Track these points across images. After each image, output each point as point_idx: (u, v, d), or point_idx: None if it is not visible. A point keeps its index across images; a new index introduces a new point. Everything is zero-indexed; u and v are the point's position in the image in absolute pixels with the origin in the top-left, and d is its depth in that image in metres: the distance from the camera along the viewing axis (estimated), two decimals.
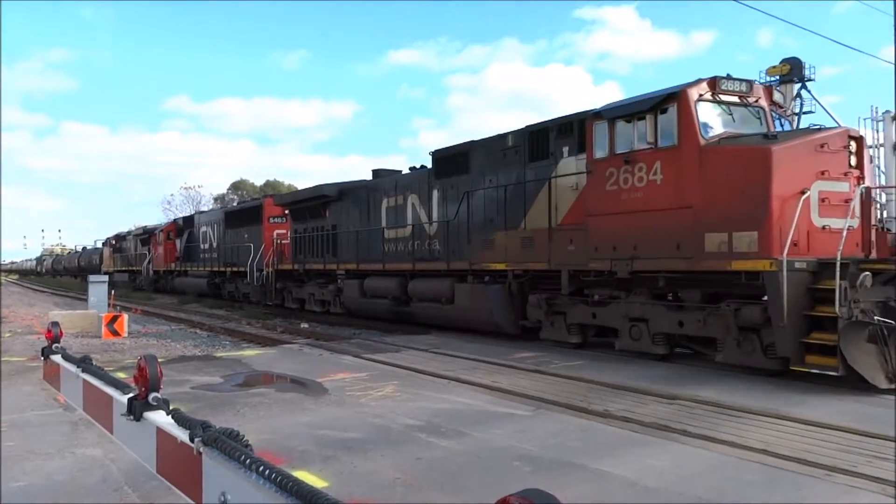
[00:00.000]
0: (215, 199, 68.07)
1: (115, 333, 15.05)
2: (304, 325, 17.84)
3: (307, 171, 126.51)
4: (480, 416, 6.56)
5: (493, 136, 13.28)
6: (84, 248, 61.85)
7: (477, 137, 15.71)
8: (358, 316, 17.62)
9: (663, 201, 9.24)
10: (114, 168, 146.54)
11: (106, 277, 21.02)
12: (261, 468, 1.22)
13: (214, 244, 28.16)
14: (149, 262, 36.52)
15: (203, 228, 29.75)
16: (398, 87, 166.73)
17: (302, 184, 33.21)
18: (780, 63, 44.36)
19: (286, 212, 22.23)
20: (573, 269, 10.95)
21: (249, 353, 11.87)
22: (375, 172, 18.64)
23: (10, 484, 4.64)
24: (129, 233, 44.56)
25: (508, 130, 12.92)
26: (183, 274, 31.39)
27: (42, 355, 3.27)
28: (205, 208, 55.89)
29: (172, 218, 44.68)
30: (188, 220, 33.15)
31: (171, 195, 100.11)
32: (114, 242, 46.74)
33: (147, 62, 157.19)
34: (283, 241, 22.07)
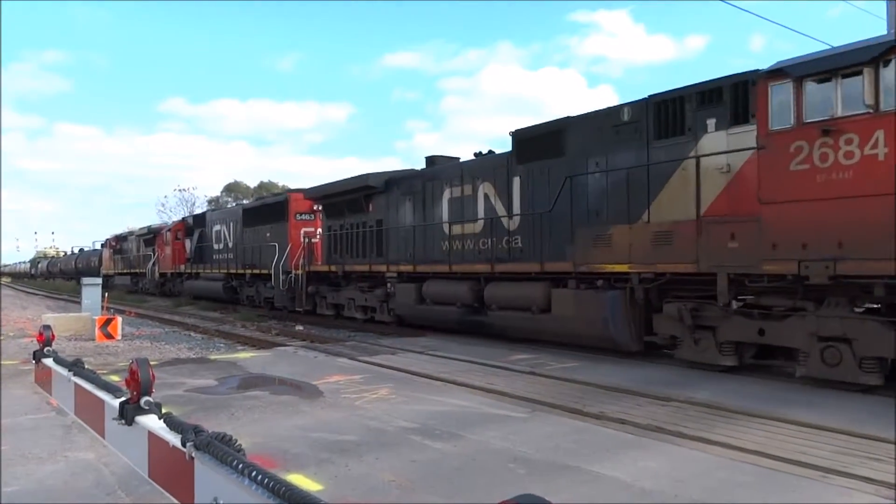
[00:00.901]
0: (209, 202, 67.86)
1: (109, 336, 14.99)
2: (299, 328, 17.79)
3: (302, 173, 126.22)
4: (476, 418, 6.55)
5: (600, 111, 11.23)
6: (81, 250, 59.47)
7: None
8: (413, 325, 15.38)
9: (888, 183, 7.01)
10: (108, 170, 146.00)
11: (100, 280, 20.90)
12: (253, 473, 1.21)
13: (230, 244, 25.81)
14: (154, 264, 34.23)
15: (217, 227, 27.37)
16: (393, 90, 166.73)
17: (297, 186, 30.84)
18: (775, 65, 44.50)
19: (316, 207, 20.35)
20: (736, 273, 8.49)
21: (244, 355, 11.83)
22: (430, 160, 16.34)
23: (2, 489, 4.60)
24: (130, 233, 41.73)
25: (622, 103, 10.94)
26: (194, 276, 28.92)
27: (34, 358, 3.24)
28: (199, 210, 55.05)
29: (168, 220, 42.81)
30: (199, 219, 30.75)
31: (166, 197, 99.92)
32: (114, 243, 44.22)
33: (142, 64, 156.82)
34: (313, 240, 20.20)
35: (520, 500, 0.89)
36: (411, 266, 14.91)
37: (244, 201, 41.16)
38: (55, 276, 64.40)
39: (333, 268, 18.27)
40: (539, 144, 12.17)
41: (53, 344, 3.43)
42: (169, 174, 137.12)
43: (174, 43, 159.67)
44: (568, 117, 11.80)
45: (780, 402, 7.14)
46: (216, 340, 16.07)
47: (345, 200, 17.96)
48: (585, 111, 11.55)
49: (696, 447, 5.48)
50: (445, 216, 14.40)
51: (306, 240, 20.19)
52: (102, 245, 49.84)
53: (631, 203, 10.34)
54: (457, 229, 14.02)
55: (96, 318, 15.61)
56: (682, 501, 4.29)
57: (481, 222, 13.35)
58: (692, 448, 5.46)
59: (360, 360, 10.48)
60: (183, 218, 35.46)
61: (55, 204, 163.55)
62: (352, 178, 17.74)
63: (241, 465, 1.25)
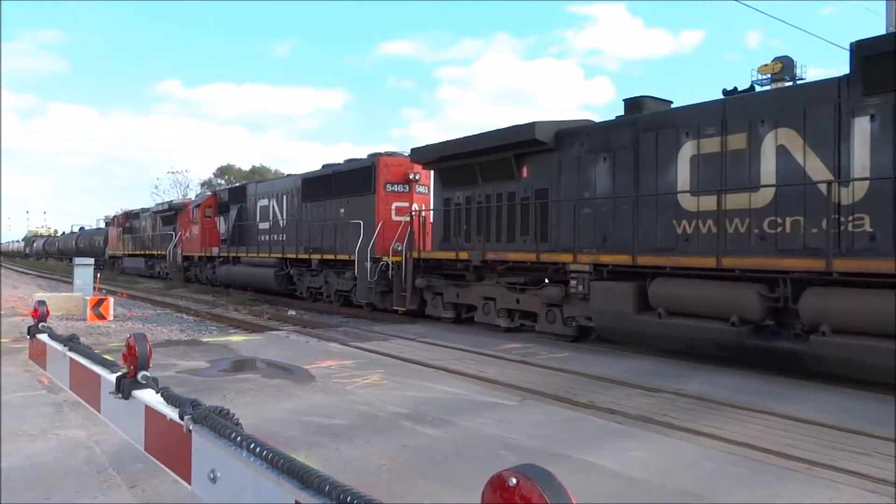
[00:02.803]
0: (202, 185, 67.56)
1: (101, 317, 14.95)
2: (291, 313, 17.78)
3: (296, 159, 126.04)
4: (467, 405, 6.58)
5: None
6: (82, 229, 55.41)
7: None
8: (622, 343, 10.59)
9: None
10: (100, 151, 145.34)
11: (91, 260, 20.78)
12: (252, 445, 1.21)
13: (282, 222, 21.18)
14: (175, 246, 29.07)
15: (263, 202, 22.53)
16: (388, 78, 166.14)
17: (290, 171, 27.33)
18: (772, 62, 44.67)
19: (413, 177, 16.52)
20: None
21: (236, 338, 11.83)
22: (633, 102, 11.49)
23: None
24: (144, 209, 36.87)
25: None
26: (233, 261, 23.82)
27: (28, 334, 3.23)
28: (192, 194, 53.98)
29: (164, 201, 37.91)
30: (237, 193, 25.09)
31: (159, 179, 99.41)
32: (122, 221, 38.77)
33: (138, 45, 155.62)
34: (420, 217, 15.35)
35: (522, 470, 0.92)
36: (627, 257, 10.05)
37: (259, 180, 32.95)
38: (53, 256, 61.09)
39: (461, 255, 13.29)
40: None
41: (47, 322, 3.43)
42: (161, 157, 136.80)
43: (170, 26, 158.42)
44: None
45: (769, 395, 7.20)
46: (208, 323, 16.05)
47: (479, 163, 13.38)
48: None
49: (685, 438, 5.53)
50: (682, 182, 9.90)
51: (412, 216, 15.44)
52: (108, 223, 46.09)
53: None
54: (706, 203, 9.47)
55: (88, 298, 15.56)
56: (668, 491, 4.33)
57: (770, 191, 8.82)
58: (680, 439, 5.51)
59: (351, 346, 10.50)
60: (214, 191, 29.10)
61: (46, 184, 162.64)
62: (497, 130, 12.94)
63: (239, 438, 1.25)
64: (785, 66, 43.98)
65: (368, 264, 15.90)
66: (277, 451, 1.19)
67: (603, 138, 11.32)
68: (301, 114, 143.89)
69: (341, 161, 19.18)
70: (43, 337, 2.95)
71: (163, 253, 30.81)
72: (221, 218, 25.59)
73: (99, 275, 20.37)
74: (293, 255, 19.82)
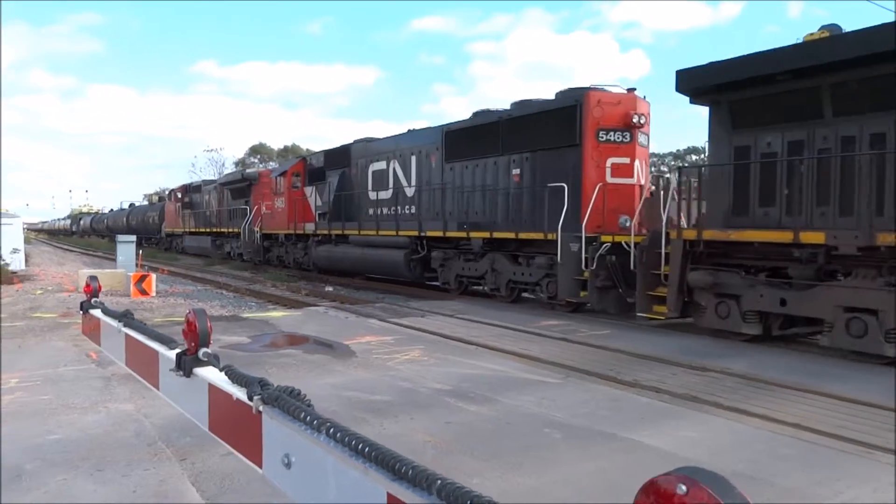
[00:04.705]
0: (235, 164, 68.19)
1: (144, 293, 15.27)
2: (329, 289, 17.93)
3: (328, 136, 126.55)
4: (509, 382, 6.52)
5: None
6: (132, 205, 53.00)
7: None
8: None
9: None
10: (137, 130, 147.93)
11: (133, 238, 21.14)
12: (331, 429, 1.16)
13: (409, 190, 16.54)
14: (249, 223, 24.95)
15: (377, 165, 17.92)
16: (419, 54, 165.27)
17: (320, 148, 22.57)
18: (819, 30, 43.00)
19: (646, 120, 12.04)
20: None
21: (276, 314, 11.96)
22: None
23: (47, 436, 4.71)
24: (208, 181, 33.17)
25: None
26: (335, 241, 19.31)
27: (81, 309, 3.26)
28: (227, 171, 53.29)
29: (234, 171, 33.82)
30: (337, 155, 20.13)
31: (196, 157, 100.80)
32: (180, 195, 34.88)
33: (176, 26, 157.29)
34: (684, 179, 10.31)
35: (690, 475, 0.80)
36: None
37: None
38: (101, 234, 58.95)
39: (822, 237, 7.97)
40: None
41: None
42: (196, 136, 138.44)
43: (206, 6, 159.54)
44: None
45: (815, 375, 7.01)
46: (247, 299, 16.27)
47: (831, 85, 8.52)
48: None
49: (734, 418, 5.40)
50: None
51: (658, 178, 11.94)
52: (161, 198, 43.11)
53: None
54: None
55: (131, 274, 15.89)
56: (722, 473, 4.22)
57: None
58: (730, 419, 5.38)
59: (390, 322, 10.52)
60: (303, 157, 23.90)
61: (88, 163, 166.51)
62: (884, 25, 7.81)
63: (316, 422, 1.20)
64: (833, 34, 42.35)
65: (582, 247, 11.35)
66: (362, 437, 1.12)
67: None
68: (334, 91, 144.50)
69: (489, 108, 14.52)
70: (96, 312, 2.96)
71: (234, 231, 26.76)
72: (314, 188, 21.09)
73: (140, 252, 20.65)
74: (438, 233, 14.84)
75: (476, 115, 14.75)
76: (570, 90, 12.53)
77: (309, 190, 21.36)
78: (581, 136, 11.94)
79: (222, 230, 28.56)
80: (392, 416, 5.30)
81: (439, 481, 0.92)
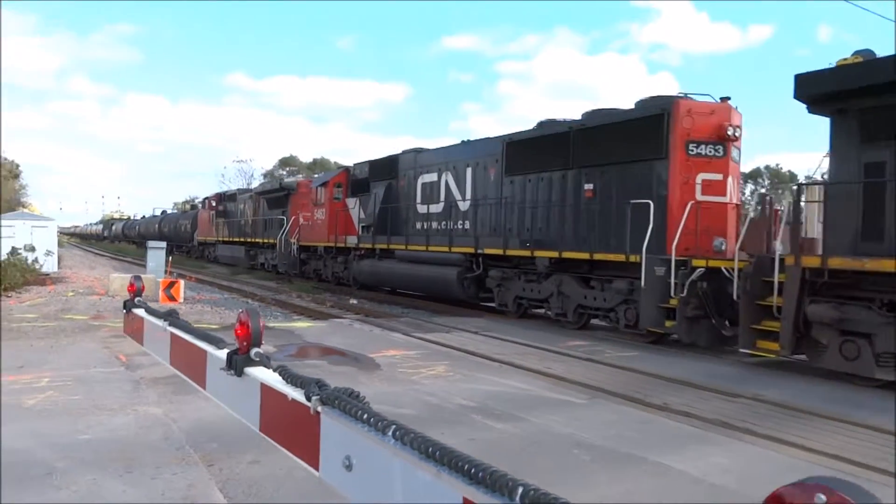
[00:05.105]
0: (264, 175, 68.95)
1: (172, 299, 15.42)
2: (353, 302, 17.96)
3: (357, 149, 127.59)
4: (535, 401, 6.45)
5: None
6: (164, 212, 52.75)
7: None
8: None
9: None
10: (169, 139, 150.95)
11: (164, 244, 21.45)
12: (397, 431, 1.14)
13: (463, 205, 15.34)
14: (286, 234, 23.86)
15: (428, 177, 16.75)
16: (449, 72, 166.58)
17: (350, 162, 22.17)
18: (853, 55, 42.46)
19: (740, 133, 11.02)
20: None
21: (301, 325, 12.00)
22: None
23: (77, 436, 4.76)
24: (243, 190, 32.38)
25: None
26: (379, 255, 18.36)
27: (124, 308, 3.30)
28: (256, 183, 53.72)
29: (270, 180, 32.46)
30: (383, 166, 18.92)
31: (225, 167, 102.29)
32: (214, 204, 33.80)
33: (210, 38, 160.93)
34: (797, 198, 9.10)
35: (828, 485, 0.76)
36: None
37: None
38: (132, 240, 58.75)
39: None
40: None
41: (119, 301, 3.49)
42: (225, 146, 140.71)
43: (239, 19, 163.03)
44: None
45: (855, 405, 6.82)
46: (273, 309, 16.35)
47: None
48: None
49: (767, 446, 5.27)
50: None
51: (764, 195, 10.55)
52: (193, 206, 42.71)
53: None
54: None
55: (160, 280, 16.09)
56: (755, 501, 4.12)
57: None
58: (763, 447, 5.25)
59: (414, 336, 10.50)
60: (345, 167, 22.54)
61: (119, 170, 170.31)
62: None
63: (382, 424, 1.18)
64: (866, 59, 41.77)
65: (672, 271, 9.95)
66: (432, 440, 1.10)
67: None
68: (363, 106, 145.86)
69: (556, 118, 13.51)
70: (140, 312, 2.98)
71: (269, 241, 25.63)
72: (357, 199, 20.02)
73: (170, 258, 20.91)
74: (497, 251, 13.76)
75: (541, 124, 13.64)
76: (654, 98, 11.51)
77: (352, 202, 20.29)
78: (668, 149, 10.75)
79: (257, 240, 27.54)
80: (419, 430, 5.26)
81: (521, 487, 0.89)
